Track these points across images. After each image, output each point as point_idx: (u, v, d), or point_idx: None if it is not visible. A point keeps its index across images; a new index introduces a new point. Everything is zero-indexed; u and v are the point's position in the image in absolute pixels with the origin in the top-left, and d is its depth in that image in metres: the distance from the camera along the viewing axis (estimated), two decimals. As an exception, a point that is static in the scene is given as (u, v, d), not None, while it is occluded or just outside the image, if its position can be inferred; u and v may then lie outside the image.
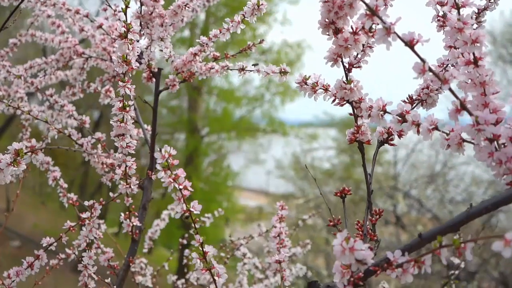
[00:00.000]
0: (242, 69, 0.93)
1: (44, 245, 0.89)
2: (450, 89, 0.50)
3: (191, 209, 0.61)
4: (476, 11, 0.72)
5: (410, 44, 0.49)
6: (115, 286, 0.92)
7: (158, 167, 0.60)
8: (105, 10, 1.12)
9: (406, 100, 0.67)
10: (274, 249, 0.96)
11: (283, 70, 0.81)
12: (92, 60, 1.18)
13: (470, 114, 0.50)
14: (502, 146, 0.51)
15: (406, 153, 7.12)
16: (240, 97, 12.00)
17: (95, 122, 11.50)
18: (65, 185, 1.08)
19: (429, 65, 0.49)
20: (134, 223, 0.95)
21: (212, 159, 11.51)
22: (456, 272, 1.07)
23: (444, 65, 0.67)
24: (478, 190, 7.07)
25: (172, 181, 0.60)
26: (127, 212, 0.94)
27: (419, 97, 0.66)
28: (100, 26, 1.05)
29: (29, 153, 0.65)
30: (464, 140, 0.53)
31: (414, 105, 0.66)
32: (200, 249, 0.63)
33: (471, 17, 0.70)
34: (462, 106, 0.50)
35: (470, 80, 0.53)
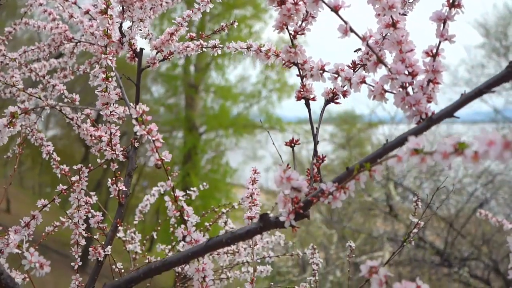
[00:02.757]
0: (214, 47, 1.03)
1: (39, 206, 0.99)
2: (368, 45, 0.60)
3: (163, 158, 0.72)
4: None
5: (335, 9, 0.59)
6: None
7: (134, 121, 0.70)
8: (92, -3, 1.21)
9: (350, 65, 0.77)
10: (247, 207, 1.07)
11: (249, 46, 0.91)
12: (81, 45, 1.29)
13: (386, 66, 0.60)
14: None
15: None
16: (237, 94, 12.10)
17: (93, 120, 11.57)
18: (58, 158, 1.18)
19: (350, 26, 0.59)
20: (121, 188, 1.05)
21: (210, 156, 11.60)
22: (415, 230, 1.17)
23: (383, 34, 0.77)
24: (471, 179, 7.21)
25: (146, 133, 0.70)
26: (113, 178, 1.05)
27: (361, 62, 0.76)
28: (87, 12, 1.15)
29: (23, 115, 0.76)
30: (385, 91, 0.63)
31: (357, 68, 0.77)
32: (172, 193, 0.74)
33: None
34: (379, 60, 0.61)
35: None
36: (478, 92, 0.54)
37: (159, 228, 1.52)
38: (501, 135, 0.38)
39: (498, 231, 6.07)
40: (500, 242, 6.32)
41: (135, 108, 0.69)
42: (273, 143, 1.06)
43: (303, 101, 0.77)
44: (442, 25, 0.61)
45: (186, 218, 0.73)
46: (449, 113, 0.56)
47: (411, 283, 0.49)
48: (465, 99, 0.55)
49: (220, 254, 1.24)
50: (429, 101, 0.60)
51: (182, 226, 0.74)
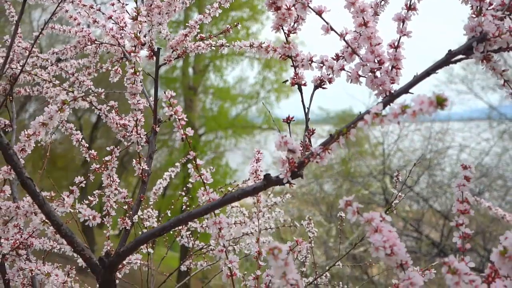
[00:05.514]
0: (221, 45, 1.21)
1: (76, 182, 1.17)
2: (345, 40, 0.78)
3: (187, 133, 0.90)
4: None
5: (319, 13, 0.78)
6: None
7: (163, 104, 0.88)
8: (112, 4, 1.39)
9: (334, 57, 0.95)
10: (252, 183, 1.25)
11: (251, 44, 1.10)
12: (103, 46, 1.47)
13: (358, 55, 0.78)
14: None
15: (396, 139, 7.45)
16: (235, 95, 12.29)
17: (93, 125, 11.79)
18: (86, 145, 1.36)
19: (331, 25, 0.78)
20: (143, 167, 1.23)
21: (210, 157, 11.78)
22: (397, 201, 1.35)
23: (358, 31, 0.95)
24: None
25: (173, 113, 0.88)
26: (137, 159, 1.23)
27: (342, 54, 0.95)
28: (110, 17, 1.33)
29: (72, 101, 0.94)
30: (359, 75, 0.81)
31: (340, 59, 0.95)
32: (194, 162, 0.92)
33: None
34: (353, 51, 0.79)
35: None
36: (426, 74, 0.73)
37: (172, 207, 1.70)
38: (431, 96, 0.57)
39: (492, 222, 6.26)
40: (494, 233, 6.51)
41: (165, 93, 0.87)
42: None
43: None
44: (401, 23, 0.79)
45: (205, 181, 0.92)
46: (405, 90, 0.74)
47: (376, 212, 0.67)
48: (417, 79, 0.73)
49: (230, 224, 1.42)
50: (392, 82, 0.78)
51: (202, 188, 0.92)
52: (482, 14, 0.71)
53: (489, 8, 0.73)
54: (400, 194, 1.36)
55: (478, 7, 0.71)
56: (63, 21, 1.63)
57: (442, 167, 7.37)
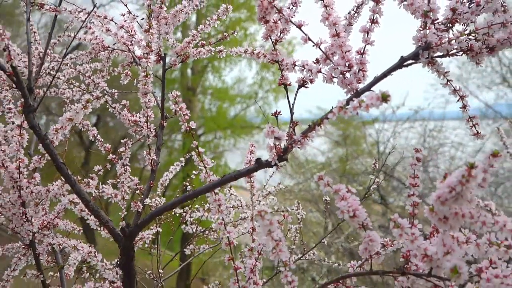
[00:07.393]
0: (220, 51, 1.40)
1: (96, 170, 1.35)
2: (320, 48, 0.97)
3: (190, 125, 1.08)
4: (356, 5, 1.18)
5: (299, 26, 0.96)
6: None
7: (170, 102, 1.06)
8: (123, 15, 1.57)
9: (314, 61, 1.13)
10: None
11: (245, 50, 1.28)
12: (115, 52, 1.65)
13: (331, 60, 0.97)
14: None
15: (390, 136, 7.65)
16: (234, 95, 12.47)
17: (93, 126, 11.97)
18: (102, 139, 1.54)
19: (309, 36, 0.96)
20: (153, 157, 1.41)
21: (209, 157, 11.95)
22: (373, 188, 1.53)
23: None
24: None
25: (178, 110, 1.06)
26: (147, 150, 1.41)
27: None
28: (122, 27, 1.51)
29: (95, 100, 1.12)
30: (333, 76, 1.00)
31: (318, 63, 1.13)
32: (197, 150, 1.10)
33: (353, 9, 1.17)
34: (327, 57, 0.97)
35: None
36: (383, 75, 0.91)
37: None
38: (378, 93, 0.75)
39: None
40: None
41: (171, 93, 1.06)
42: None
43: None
44: (366, 34, 0.97)
45: (206, 165, 1.10)
46: (367, 88, 0.92)
47: (342, 185, 0.85)
48: (376, 80, 0.91)
49: (229, 208, 1.60)
50: (359, 82, 0.97)
51: (204, 171, 1.10)
52: (427, 27, 0.89)
53: (435, 21, 0.91)
54: (378, 180, 1.54)
55: (424, 22, 0.89)
56: (62, 25, 1.82)
57: (436, 164, 7.56)
